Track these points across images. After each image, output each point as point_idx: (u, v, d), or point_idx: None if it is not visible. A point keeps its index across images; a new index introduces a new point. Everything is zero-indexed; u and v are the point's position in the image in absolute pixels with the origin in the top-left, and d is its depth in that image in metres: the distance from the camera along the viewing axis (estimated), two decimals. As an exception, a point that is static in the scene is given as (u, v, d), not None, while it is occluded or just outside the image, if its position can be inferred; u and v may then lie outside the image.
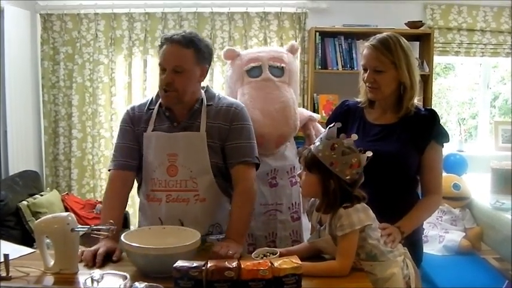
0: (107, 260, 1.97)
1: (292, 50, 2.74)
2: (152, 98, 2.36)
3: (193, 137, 2.22)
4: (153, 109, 2.30)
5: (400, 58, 2.11)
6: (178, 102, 2.23)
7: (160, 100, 2.29)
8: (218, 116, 2.25)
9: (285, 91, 2.61)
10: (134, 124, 2.31)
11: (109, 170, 2.34)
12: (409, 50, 2.15)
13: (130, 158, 2.29)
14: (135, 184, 2.39)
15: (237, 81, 2.70)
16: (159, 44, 2.26)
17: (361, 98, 2.30)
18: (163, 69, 2.19)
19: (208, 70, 2.32)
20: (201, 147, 2.22)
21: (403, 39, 2.17)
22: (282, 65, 2.64)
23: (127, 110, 2.37)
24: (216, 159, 2.25)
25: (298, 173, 1.95)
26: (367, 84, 2.18)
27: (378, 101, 2.23)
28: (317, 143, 1.89)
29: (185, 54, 2.18)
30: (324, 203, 1.88)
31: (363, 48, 2.20)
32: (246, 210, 2.21)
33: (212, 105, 2.28)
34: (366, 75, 2.18)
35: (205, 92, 2.32)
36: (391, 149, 2.13)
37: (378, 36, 2.17)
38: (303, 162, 1.91)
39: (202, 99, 2.27)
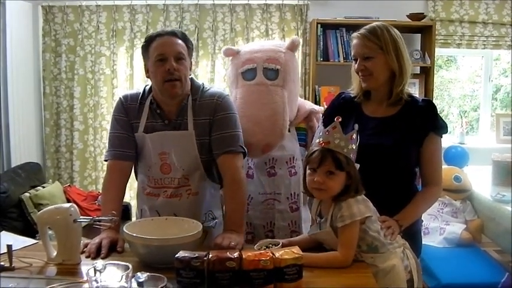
0: (109, 250, 1.98)
1: (292, 47, 2.72)
2: (145, 90, 2.33)
3: (183, 136, 2.24)
4: (145, 103, 2.29)
5: (388, 43, 2.12)
6: (181, 93, 2.22)
7: (151, 96, 2.28)
8: (202, 111, 2.26)
9: (276, 95, 2.60)
10: (128, 115, 2.30)
11: (105, 160, 2.34)
12: (398, 37, 2.16)
13: (128, 148, 2.29)
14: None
15: (232, 83, 2.72)
16: (144, 42, 2.26)
17: (354, 91, 2.31)
18: (161, 59, 2.17)
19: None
20: (190, 146, 2.24)
21: (393, 28, 2.19)
22: (277, 66, 2.62)
23: (120, 99, 2.34)
24: (206, 155, 2.28)
25: (316, 179, 1.87)
26: (359, 73, 2.19)
27: (372, 89, 2.23)
28: (336, 141, 1.85)
29: (182, 44, 2.22)
30: (347, 193, 1.88)
31: (352, 39, 2.22)
32: (239, 200, 2.23)
33: (196, 99, 2.28)
34: (356, 65, 2.19)
35: (191, 84, 2.32)
36: (389, 142, 2.13)
37: (366, 26, 2.20)
38: (331, 166, 1.85)
39: (189, 95, 2.27)
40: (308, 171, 1.92)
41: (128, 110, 2.30)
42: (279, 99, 2.59)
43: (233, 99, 2.59)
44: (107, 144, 4.67)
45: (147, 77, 2.29)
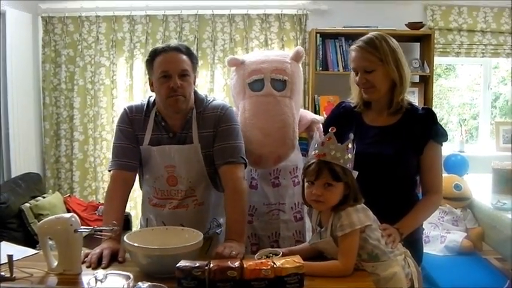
0: (110, 260, 1.98)
1: (297, 58, 2.70)
2: (149, 102, 2.34)
3: (188, 150, 2.26)
4: (150, 115, 2.30)
5: (387, 54, 2.12)
6: (185, 108, 2.24)
7: (156, 108, 2.29)
8: (206, 124, 2.28)
9: (285, 107, 2.59)
10: (133, 126, 2.31)
11: (109, 171, 2.34)
12: (396, 47, 2.16)
13: (132, 159, 2.30)
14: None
15: (239, 93, 2.68)
16: (149, 57, 2.26)
17: (354, 100, 2.31)
18: (166, 76, 2.17)
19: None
20: (196, 159, 2.27)
21: (391, 37, 2.19)
22: (285, 77, 2.60)
23: (125, 110, 2.35)
24: (212, 167, 2.30)
25: (314, 192, 1.87)
26: (361, 86, 2.19)
27: (374, 101, 2.23)
28: (332, 152, 1.85)
29: (186, 60, 2.22)
30: (346, 202, 1.88)
31: (351, 51, 2.21)
32: (241, 210, 2.23)
33: (201, 112, 2.29)
34: (357, 78, 2.19)
35: (194, 97, 2.32)
36: (389, 151, 2.13)
37: (364, 37, 2.19)
38: (329, 178, 1.85)
39: (193, 109, 2.29)
40: (306, 184, 1.93)
41: (133, 121, 2.31)
42: (288, 110, 2.58)
43: (241, 110, 2.59)
44: (106, 155, 4.77)
45: (152, 90, 2.29)
